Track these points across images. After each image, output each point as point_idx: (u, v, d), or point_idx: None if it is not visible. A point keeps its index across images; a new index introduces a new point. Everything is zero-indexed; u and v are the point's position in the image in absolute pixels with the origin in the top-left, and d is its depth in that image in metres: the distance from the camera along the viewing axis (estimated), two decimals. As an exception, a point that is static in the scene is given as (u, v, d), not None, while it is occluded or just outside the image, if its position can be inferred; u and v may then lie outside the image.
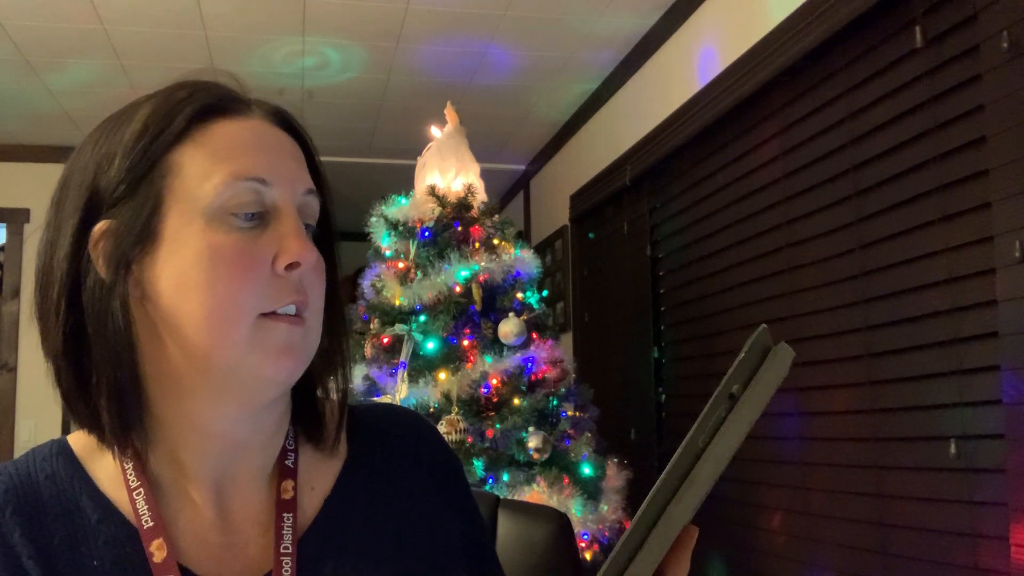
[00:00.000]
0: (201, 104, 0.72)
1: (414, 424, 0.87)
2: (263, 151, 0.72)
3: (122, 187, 0.70)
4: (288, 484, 0.76)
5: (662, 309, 3.20)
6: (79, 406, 0.72)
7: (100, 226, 0.70)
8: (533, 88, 3.66)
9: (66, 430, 4.49)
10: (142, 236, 0.69)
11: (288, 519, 0.74)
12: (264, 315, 0.69)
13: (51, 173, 4.86)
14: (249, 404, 0.73)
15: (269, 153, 0.73)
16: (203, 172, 0.70)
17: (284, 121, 0.77)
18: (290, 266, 0.70)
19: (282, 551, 0.72)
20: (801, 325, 2.21)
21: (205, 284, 0.68)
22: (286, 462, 0.77)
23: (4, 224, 4.28)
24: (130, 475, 0.72)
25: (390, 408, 0.88)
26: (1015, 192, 1.54)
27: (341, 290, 0.81)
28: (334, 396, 0.81)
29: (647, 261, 3.26)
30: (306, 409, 0.80)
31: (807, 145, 2.20)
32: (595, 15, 3.00)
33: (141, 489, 0.72)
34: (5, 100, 3.70)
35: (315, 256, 0.72)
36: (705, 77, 2.72)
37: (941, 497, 1.75)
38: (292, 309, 0.71)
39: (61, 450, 0.76)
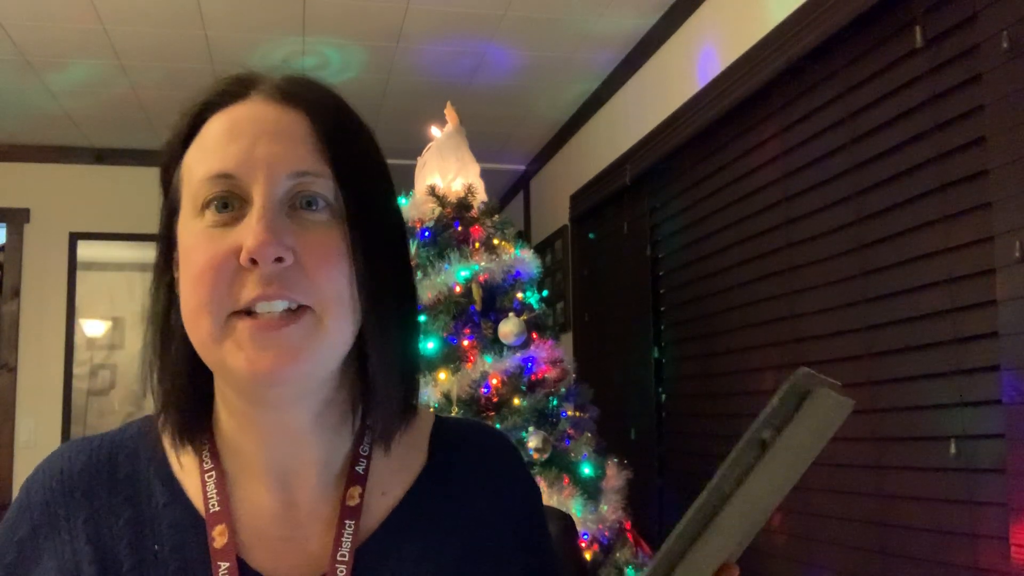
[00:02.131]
0: (201, 103, 0.72)
1: (497, 446, 0.84)
2: (237, 140, 0.68)
3: (164, 197, 0.74)
4: (355, 491, 0.74)
5: (662, 309, 3.20)
6: (156, 402, 0.74)
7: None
8: (533, 88, 3.66)
9: (66, 430, 4.47)
10: (165, 243, 0.73)
11: (350, 527, 0.72)
12: (236, 313, 0.66)
13: (51, 173, 4.86)
14: (263, 401, 0.70)
15: (243, 141, 0.68)
16: (192, 173, 0.70)
17: (287, 96, 0.71)
18: (254, 260, 0.65)
19: (339, 558, 0.71)
20: (801, 325, 2.21)
21: (184, 285, 0.69)
22: (356, 468, 0.75)
23: (4, 224, 4.27)
24: (206, 458, 0.74)
25: (479, 426, 0.86)
26: (1015, 192, 1.54)
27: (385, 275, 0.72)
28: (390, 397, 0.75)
29: (647, 261, 3.26)
30: (369, 403, 0.75)
31: (807, 145, 2.20)
32: (595, 15, 3.00)
33: (214, 473, 0.73)
34: (5, 100, 3.70)
35: (268, 246, 0.64)
36: (705, 77, 2.72)
37: (941, 497, 1.75)
38: (278, 305, 0.65)
39: (149, 429, 0.77)
